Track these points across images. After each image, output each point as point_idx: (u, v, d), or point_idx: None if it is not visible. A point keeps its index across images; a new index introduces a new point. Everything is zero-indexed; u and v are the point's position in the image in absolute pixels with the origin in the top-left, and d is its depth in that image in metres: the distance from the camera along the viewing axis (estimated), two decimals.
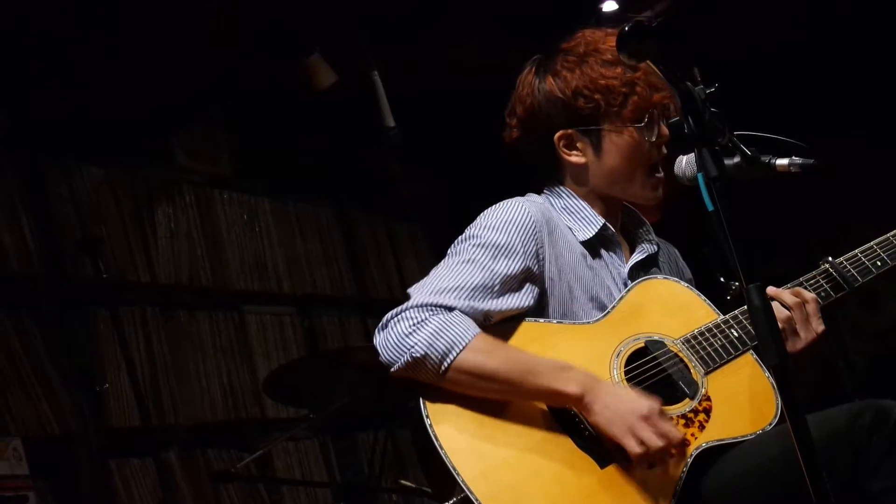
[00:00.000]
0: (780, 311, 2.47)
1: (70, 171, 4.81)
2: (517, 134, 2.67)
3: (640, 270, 2.64)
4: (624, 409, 2.26)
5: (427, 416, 2.28)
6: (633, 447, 2.24)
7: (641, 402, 2.27)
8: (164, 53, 4.88)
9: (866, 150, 6.15)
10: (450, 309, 2.34)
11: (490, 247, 2.44)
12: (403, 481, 4.46)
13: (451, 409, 2.30)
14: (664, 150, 2.54)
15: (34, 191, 4.64)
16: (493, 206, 2.55)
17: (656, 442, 2.23)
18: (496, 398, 2.32)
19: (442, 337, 2.28)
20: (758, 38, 6.14)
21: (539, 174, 2.71)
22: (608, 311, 2.51)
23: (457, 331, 2.30)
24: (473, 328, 2.32)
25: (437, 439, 2.24)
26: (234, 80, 5.42)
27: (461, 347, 2.28)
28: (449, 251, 2.51)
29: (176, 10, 4.62)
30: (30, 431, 4.23)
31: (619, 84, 2.51)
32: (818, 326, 2.51)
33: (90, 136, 4.90)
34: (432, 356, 2.27)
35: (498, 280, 2.40)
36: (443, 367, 2.28)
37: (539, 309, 2.48)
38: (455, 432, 2.27)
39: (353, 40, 4.56)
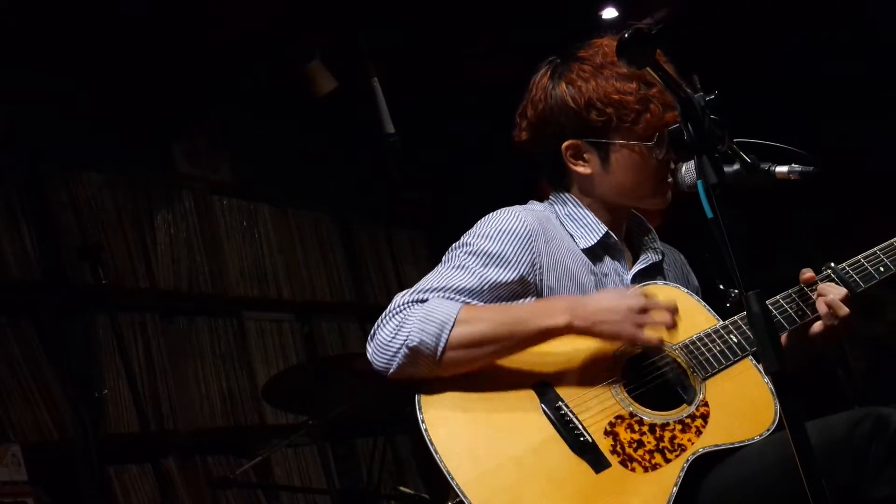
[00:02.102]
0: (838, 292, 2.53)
1: (70, 177, 4.81)
2: (526, 136, 2.66)
3: (644, 278, 2.64)
4: (619, 313, 2.35)
5: (422, 421, 2.28)
6: (652, 338, 2.36)
7: (618, 306, 2.36)
8: (164, 60, 4.89)
9: (867, 156, 6.15)
10: (424, 300, 2.37)
11: (482, 255, 2.45)
12: (402, 488, 4.47)
13: (447, 414, 2.30)
14: (672, 166, 2.53)
15: (34, 197, 4.64)
16: (490, 215, 2.55)
17: (667, 319, 2.36)
18: (495, 358, 2.35)
19: (430, 321, 2.31)
20: (759, 44, 6.14)
21: (545, 178, 2.70)
22: None
23: (442, 310, 2.32)
24: (455, 305, 2.35)
25: (432, 444, 2.25)
26: (235, 87, 5.42)
27: (451, 324, 2.30)
28: (443, 258, 2.52)
29: (176, 17, 4.63)
30: (29, 437, 4.23)
31: (634, 100, 2.49)
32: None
33: (90, 143, 4.91)
34: (427, 341, 2.29)
35: (487, 285, 2.42)
36: (439, 350, 2.29)
37: None
38: (450, 436, 2.27)
39: (353, 47, 4.57)
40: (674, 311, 2.39)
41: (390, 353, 2.31)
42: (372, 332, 2.37)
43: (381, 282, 6.38)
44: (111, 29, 4.56)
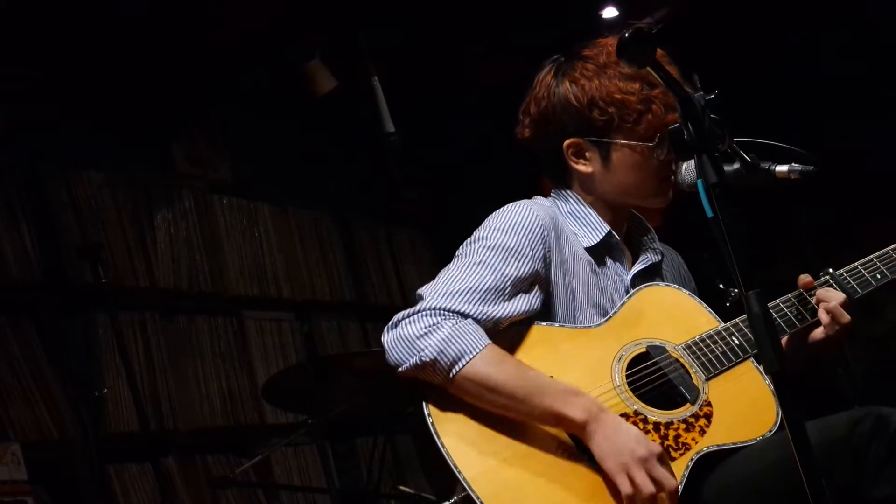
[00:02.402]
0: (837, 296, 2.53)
1: (70, 176, 4.81)
2: (528, 133, 2.67)
3: (643, 278, 2.64)
4: (623, 446, 2.24)
5: (429, 415, 2.29)
6: (625, 487, 2.22)
7: (642, 443, 2.25)
8: (164, 60, 4.89)
9: (867, 156, 6.15)
10: (463, 315, 2.34)
11: (500, 249, 2.44)
12: (402, 487, 4.47)
13: (454, 409, 2.31)
14: (673, 167, 2.53)
15: (34, 196, 4.64)
16: (502, 209, 2.55)
17: (648, 488, 2.21)
18: (500, 411, 2.31)
19: (453, 344, 2.29)
20: (759, 44, 6.14)
21: (547, 176, 2.71)
22: (610, 316, 2.52)
23: (469, 339, 2.30)
24: (485, 338, 2.32)
25: (438, 438, 2.25)
26: (235, 86, 5.42)
27: (471, 356, 2.28)
28: (458, 252, 2.51)
29: (177, 16, 4.63)
30: (29, 436, 4.23)
31: (636, 100, 2.50)
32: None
33: (90, 142, 4.91)
34: (442, 362, 2.28)
35: (509, 283, 2.41)
36: (452, 373, 2.28)
37: (543, 312, 2.49)
38: (457, 431, 2.28)
39: (353, 46, 4.57)
40: (670, 492, 2.25)
41: (406, 355, 2.30)
42: (395, 321, 2.35)
43: (381, 281, 6.38)
44: (111, 29, 4.56)
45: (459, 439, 2.26)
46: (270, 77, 5.37)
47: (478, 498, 2.18)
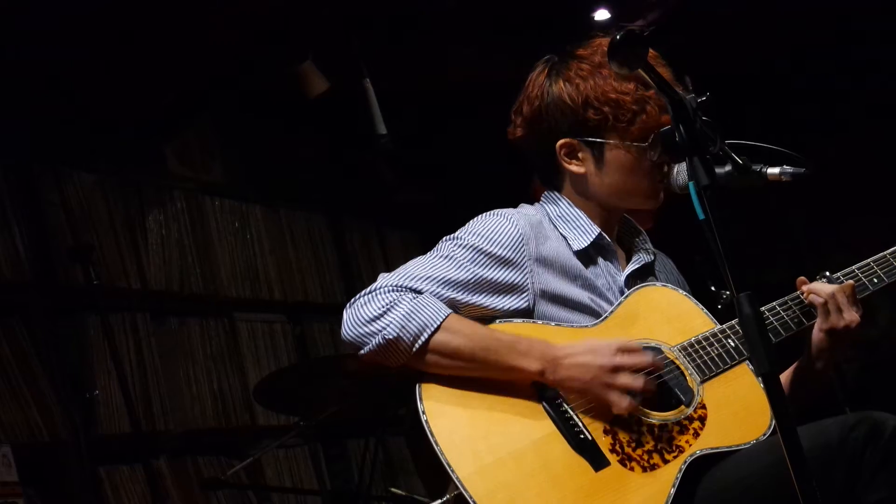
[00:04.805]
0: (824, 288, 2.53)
1: (61, 177, 4.79)
2: (521, 133, 2.66)
3: (637, 279, 2.64)
4: (588, 373, 2.32)
5: (423, 413, 2.29)
6: (621, 403, 2.31)
7: (601, 357, 2.33)
8: (156, 60, 4.88)
9: (861, 157, 6.15)
10: (417, 292, 2.37)
11: (471, 249, 2.46)
12: (394, 489, 4.47)
13: (448, 408, 2.31)
14: (665, 169, 2.53)
15: (25, 198, 4.62)
16: (483, 215, 2.55)
17: (638, 385, 2.32)
18: (469, 375, 2.34)
19: (414, 318, 2.31)
20: (752, 45, 6.15)
21: (538, 176, 2.70)
22: (605, 317, 2.52)
23: (428, 312, 2.33)
24: (444, 309, 2.35)
25: (432, 436, 2.25)
26: (227, 88, 5.42)
27: (433, 328, 2.31)
28: (433, 249, 2.52)
29: (169, 18, 4.62)
30: (20, 438, 4.21)
31: (631, 100, 2.49)
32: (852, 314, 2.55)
33: (82, 143, 4.89)
34: (405, 338, 2.30)
35: (472, 279, 2.43)
36: (415, 348, 2.31)
37: (532, 318, 2.48)
38: (451, 430, 2.28)
39: (345, 48, 4.57)
40: (647, 372, 2.36)
41: (365, 333, 2.33)
42: (353, 301, 2.39)
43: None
44: (103, 30, 4.55)
45: (453, 437, 2.26)
46: (262, 78, 5.37)
47: (471, 497, 2.18)
